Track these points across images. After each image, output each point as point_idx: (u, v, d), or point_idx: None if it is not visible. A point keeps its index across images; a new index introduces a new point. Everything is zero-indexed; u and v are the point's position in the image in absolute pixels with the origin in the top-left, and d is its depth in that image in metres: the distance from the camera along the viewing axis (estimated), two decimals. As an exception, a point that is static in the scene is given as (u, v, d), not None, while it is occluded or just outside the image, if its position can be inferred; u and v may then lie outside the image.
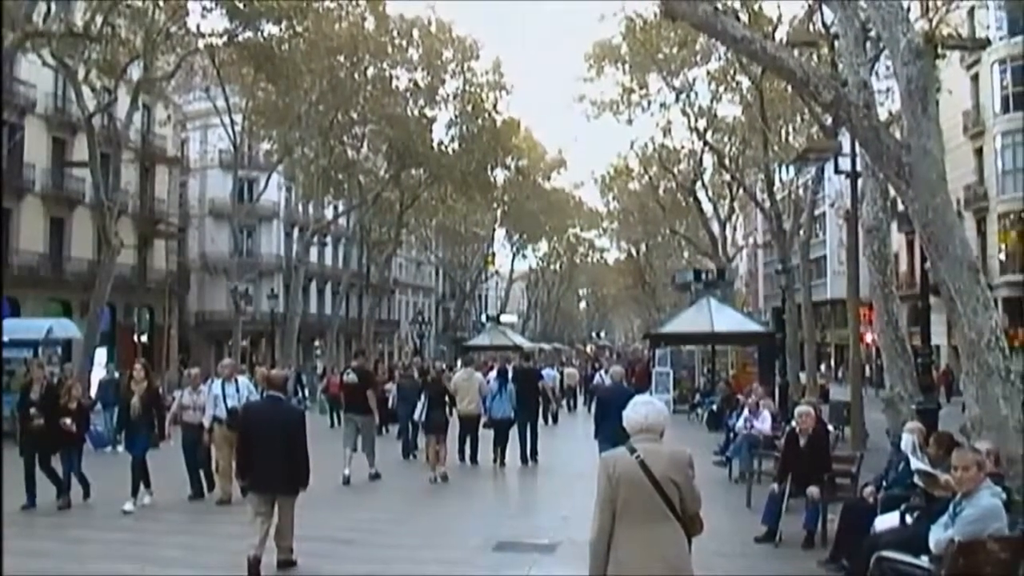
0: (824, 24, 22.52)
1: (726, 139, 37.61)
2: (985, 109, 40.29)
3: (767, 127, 29.24)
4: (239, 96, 36.38)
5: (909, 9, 13.26)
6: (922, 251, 12.97)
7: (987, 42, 24.28)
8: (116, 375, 20.89)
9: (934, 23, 19.59)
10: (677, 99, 35.23)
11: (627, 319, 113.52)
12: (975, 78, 40.42)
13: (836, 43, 18.36)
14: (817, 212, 40.74)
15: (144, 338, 40.41)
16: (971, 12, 30.17)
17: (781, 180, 38.75)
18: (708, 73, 34.06)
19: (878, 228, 16.32)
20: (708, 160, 41.33)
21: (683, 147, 41.76)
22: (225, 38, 29.56)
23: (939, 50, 12.35)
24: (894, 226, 18.60)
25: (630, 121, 37.58)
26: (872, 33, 14.84)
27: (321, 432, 18.34)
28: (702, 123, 36.02)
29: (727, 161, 37.06)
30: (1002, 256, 39.28)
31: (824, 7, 20.97)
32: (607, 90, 38.10)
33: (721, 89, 34.34)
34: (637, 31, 32.33)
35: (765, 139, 29.82)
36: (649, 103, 36.51)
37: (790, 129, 32.03)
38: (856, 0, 13.60)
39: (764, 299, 71.18)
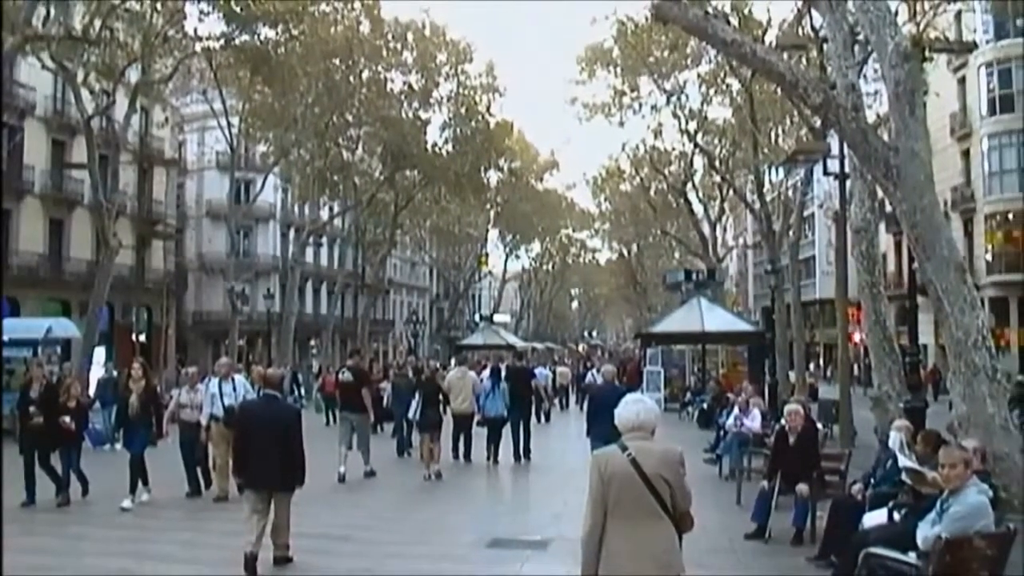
0: (813, 28, 22.65)
1: (716, 141, 37.78)
2: (972, 111, 40.31)
3: (757, 129, 29.40)
4: (236, 99, 36.49)
5: (897, 13, 13.38)
6: (910, 251, 13.08)
7: (974, 45, 24.42)
8: (114, 374, 20.94)
9: (921, 26, 19.73)
10: (668, 102, 35.41)
11: (619, 319, 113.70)
12: (962, 81, 40.48)
13: (825, 46, 18.46)
14: (806, 213, 41.01)
15: (142, 337, 40.56)
16: (958, 15, 30.32)
17: (771, 182, 38.98)
18: (699, 76, 34.26)
19: (866, 229, 16.48)
20: (699, 162, 41.54)
21: (674, 149, 41.99)
22: (222, 41, 29.66)
23: (926, 53, 12.51)
24: (882, 227, 18.76)
25: (621, 123, 37.72)
26: (860, 36, 14.95)
27: (317, 430, 18.37)
28: (693, 125, 36.19)
29: (717, 163, 37.24)
30: (989, 257, 39.42)
31: (813, 11, 21.11)
32: (599, 93, 38.31)
33: (711, 92, 34.49)
34: (628, 34, 32.46)
35: (755, 141, 29.99)
36: (640, 105, 36.65)
37: (779, 131, 32.15)
38: (844, 3, 13.74)
39: (754, 299, 71.30)
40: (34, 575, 8.53)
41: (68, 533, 10.75)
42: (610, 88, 36.46)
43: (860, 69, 17.13)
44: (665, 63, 33.49)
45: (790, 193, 35.00)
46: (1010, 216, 38.55)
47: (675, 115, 35.83)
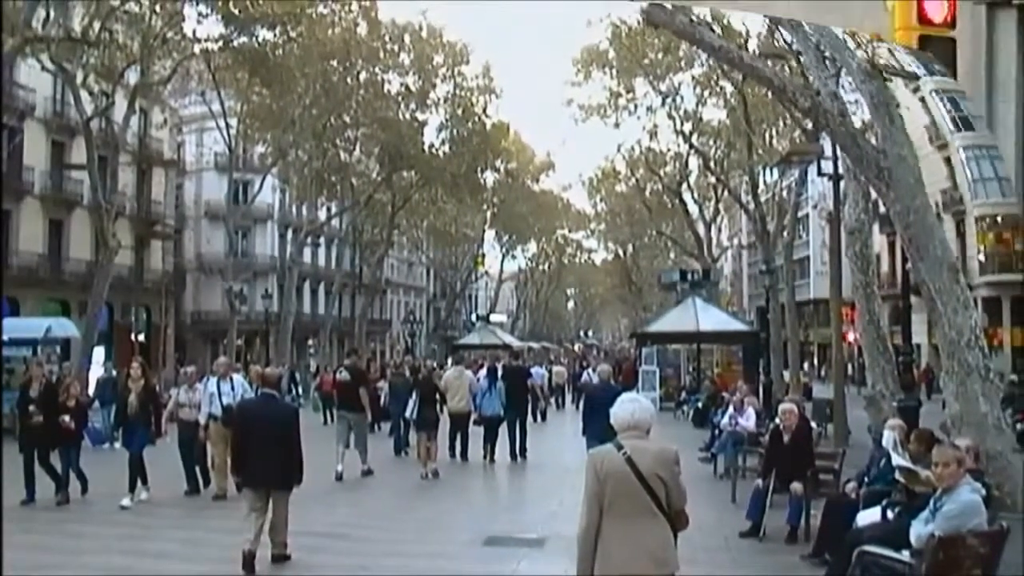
0: (786, 41, 22.70)
1: (711, 142, 37.78)
2: (941, 126, 40.11)
3: (751, 131, 29.49)
4: (234, 100, 36.58)
5: (846, 40, 13.43)
6: (903, 252, 13.20)
7: (916, 76, 24.57)
8: (114, 373, 21.04)
9: (869, 53, 19.80)
10: (663, 103, 35.43)
11: (614, 318, 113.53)
12: (922, 100, 40.31)
13: (801, 58, 18.56)
14: (800, 214, 40.97)
15: (141, 337, 40.64)
16: (890, 50, 30.23)
17: (765, 182, 38.96)
18: (693, 78, 34.23)
19: (860, 229, 16.61)
20: (693, 163, 41.53)
21: (669, 150, 41.94)
22: (220, 43, 29.76)
23: (883, 75, 12.65)
24: (876, 227, 18.92)
25: (617, 124, 37.71)
26: (827, 54, 15.06)
27: (314, 429, 18.40)
28: (687, 127, 36.20)
29: (712, 164, 37.31)
30: (981, 257, 39.40)
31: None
32: (595, 94, 38.22)
33: (706, 93, 34.51)
34: (623, 37, 32.55)
35: (749, 142, 30.09)
36: (636, 107, 36.64)
37: (774, 132, 32.21)
38: (802, 27, 13.79)
39: (749, 299, 71.34)
40: (34, 574, 8.54)
41: (68, 531, 10.80)
42: (606, 90, 36.51)
43: (837, 79, 17.15)
44: (660, 65, 33.51)
45: (784, 194, 35.11)
46: (999, 219, 38.52)
47: (670, 116, 35.90)
